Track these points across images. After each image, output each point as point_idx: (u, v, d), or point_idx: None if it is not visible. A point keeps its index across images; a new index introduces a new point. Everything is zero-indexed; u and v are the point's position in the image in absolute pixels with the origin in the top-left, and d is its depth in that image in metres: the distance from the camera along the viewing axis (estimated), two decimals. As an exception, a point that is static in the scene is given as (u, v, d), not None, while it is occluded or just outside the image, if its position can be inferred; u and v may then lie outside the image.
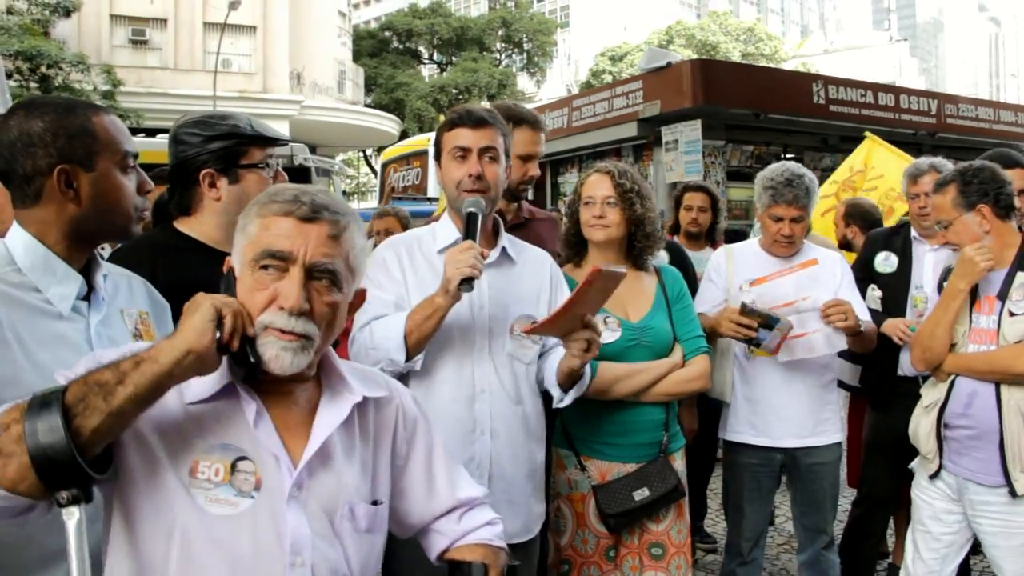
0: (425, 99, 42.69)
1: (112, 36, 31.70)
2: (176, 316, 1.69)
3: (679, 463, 3.23)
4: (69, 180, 1.90)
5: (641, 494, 3.03)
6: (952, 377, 3.32)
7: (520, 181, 3.53)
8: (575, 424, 3.17)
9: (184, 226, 2.56)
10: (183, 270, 2.34)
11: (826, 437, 3.78)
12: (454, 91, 44.13)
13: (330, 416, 1.73)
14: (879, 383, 4.37)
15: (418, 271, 2.79)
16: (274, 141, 2.65)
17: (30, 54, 24.33)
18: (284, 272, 1.61)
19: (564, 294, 2.93)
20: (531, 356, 2.85)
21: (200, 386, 1.60)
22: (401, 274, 2.79)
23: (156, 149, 12.65)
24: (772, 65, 46.42)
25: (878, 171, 7.46)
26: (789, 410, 3.73)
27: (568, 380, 2.74)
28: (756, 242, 3.94)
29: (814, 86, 11.75)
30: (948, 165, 4.10)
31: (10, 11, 26.29)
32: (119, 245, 2.58)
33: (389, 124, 35.28)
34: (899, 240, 4.43)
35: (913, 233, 4.40)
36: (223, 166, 2.53)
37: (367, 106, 39.31)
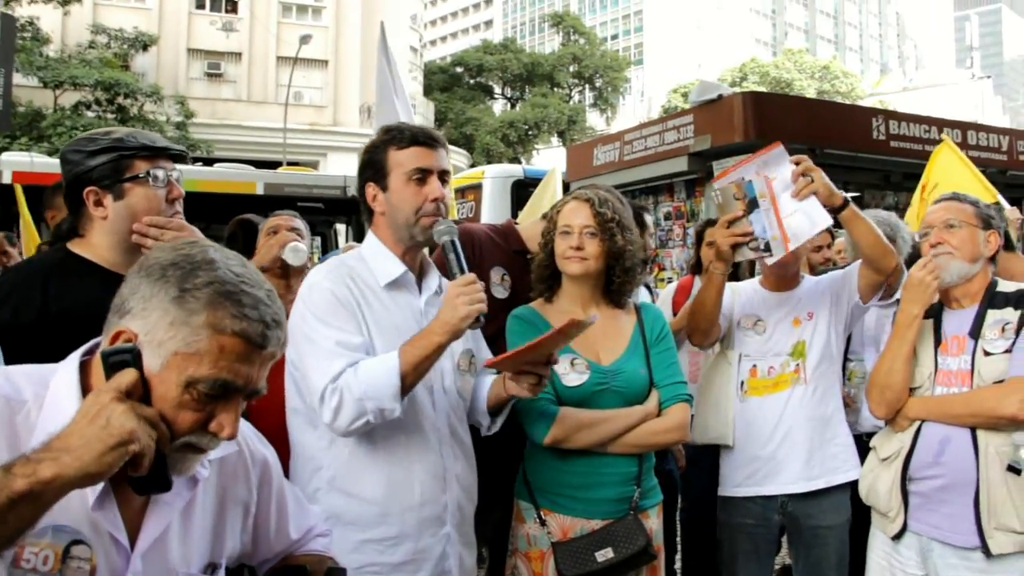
0: (494, 134, 42.93)
1: (189, 69, 32.70)
2: (66, 345, 1.54)
3: (653, 521, 2.93)
4: None
5: (605, 555, 2.73)
6: (917, 424, 2.98)
7: None
8: (537, 474, 2.90)
9: (77, 247, 2.38)
10: (76, 293, 2.21)
11: (838, 476, 3.40)
12: (524, 126, 44.34)
13: (171, 496, 1.52)
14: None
15: (372, 309, 2.55)
16: (162, 151, 2.45)
17: (108, 84, 25.14)
18: (224, 400, 1.43)
19: None
20: (469, 389, 2.69)
21: None
22: (359, 312, 2.52)
23: (212, 178, 12.85)
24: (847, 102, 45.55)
25: (934, 180, 6.90)
26: (790, 448, 3.39)
27: (498, 405, 2.61)
28: (756, 280, 3.67)
29: (874, 121, 11.28)
30: None
31: (91, 45, 27.24)
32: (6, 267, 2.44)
33: (458, 159, 35.46)
34: None
35: None
36: (108, 182, 2.35)
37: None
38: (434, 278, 2.68)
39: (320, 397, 2.38)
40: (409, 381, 2.34)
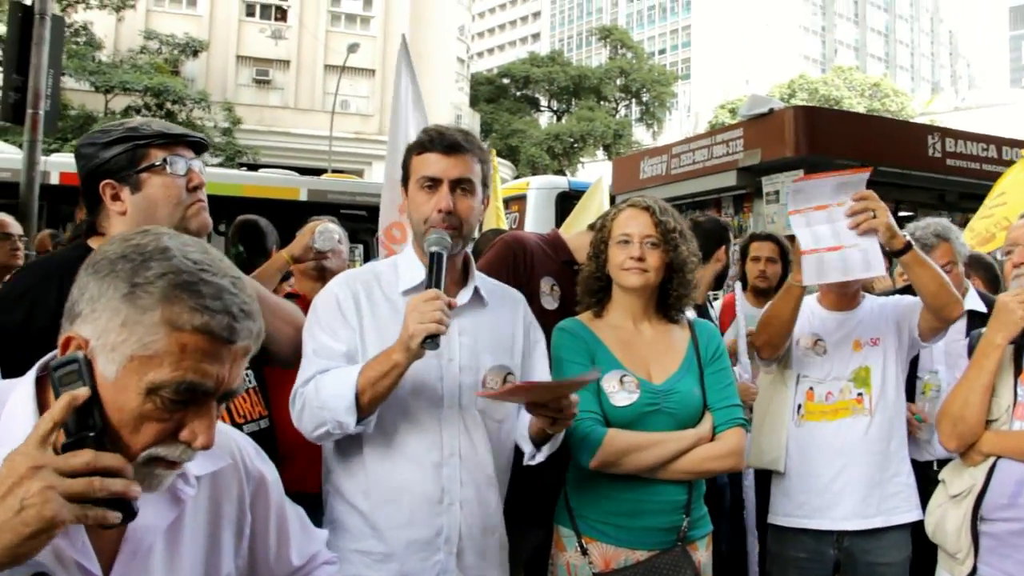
0: (540, 146, 42.87)
1: (237, 76, 33.05)
2: None
3: (702, 554, 2.73)
4: None
5: (650, 589, 2.55)
6: (992, 460, 2.73)
7: None
8: (579, 499, 2.72)
9: (97, 244, 2.24)
10: None
11: (897, 516, 3.18)
12: (569, 139, 44.26)
13: (151, 516, 1.36)
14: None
15: (378, 315, 2.40)
16: (179, 138, 2.32)
17: (157, 90, 25.46)
18: (195, 405, 1.27)
19: (538, 340, 2.60)
20: (504, 412, 2.47)
21: None
22: (357, 319, 2.40)
23: (256, 183, 12.87)
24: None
25: (1005, 196, 6.61)
26: (846, 482, 3.17)
27: (542, 435, 2.38)
28: (814, 298, 3.45)
29: (930, 138, 10.95)
30: None
31: (143, 51, 27.63)
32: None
33: (504, 170, 35.39)
34: None
35: None
36: (124, 174, 2.23)
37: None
38: (469, 290, 2.51)
39: (291, 400, 2.33)
40: (367, 398, 2.19)
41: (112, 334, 1.23)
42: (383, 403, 2.25)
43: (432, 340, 2.10)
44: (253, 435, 2.49)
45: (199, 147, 2.44)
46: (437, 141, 2.44)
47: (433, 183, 2.41)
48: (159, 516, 1.39)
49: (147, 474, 1.28)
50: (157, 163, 2.26)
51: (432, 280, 2.23)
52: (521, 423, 2.48)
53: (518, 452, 2.57)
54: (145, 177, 2.25)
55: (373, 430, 2.32)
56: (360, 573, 2.34)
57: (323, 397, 2.24)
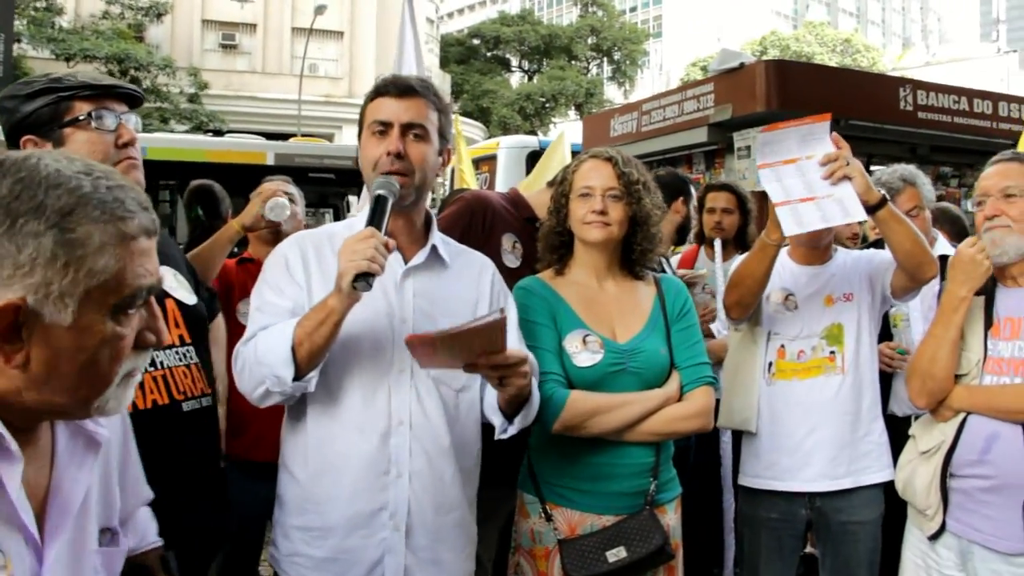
0: (511, 107, 42.42)
1: (203, 41, 32.44)
2: None
3: (670, 517, 2.65)
4: None
5: (616, 555, 2.45)
6: (962, 416, 2.66)
7: None
8: (543, 464, 2.63)
9: None
10: None
11: (867, 476, 3.11)
12: (541, 99, 43.80)
13: (75, 470, 1.31)
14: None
15: (326, 273, 2.24)
16: (108, 89, 2.17)
17: (119, 57, 24.92)
18: (143, 309, 1.27)
19: (509, 309, 2.43)
20: (462, 380, 2.32)
21: None
22: (305, 276, 2.27)
23: (222, 148, 12.67)
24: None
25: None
26: (816, 442, 3.09)
27: (512, 405, 2.24)
28: (785, 251, 3.31)
29: (901, 91, 10.86)
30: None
31: (105, 16, 26.99)
32: None
33: (474, 131, 35.06)
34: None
35: None
36: (46, 128, 2.09)
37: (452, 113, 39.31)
38: (426, 250, 2.36)
39: (233, 360, 2.23)
40: (304, 350, 2.04)
41: (57, 281, 1.14)
42: (328, 360, 2.12)
43: (364, 279, 1.97)
44: (194, 412, 2.37)
45: (133, 100, 2.29)
46: (391, 84, 2.30)
47: (384, 127, 2.27)
48: (78, 464, 1.34)
49: (123, 392, 1.27)
50: (82, 117, 2.12)
51: (372, 221, 2.09)
52: (489, 394, 2.32)
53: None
54: (68, 132, 2.12)
55: (318, 395, 2.19)
56: (298, 550, 2.23)
57: (260, 352, 2.11)
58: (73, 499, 1.31)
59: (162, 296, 2.32)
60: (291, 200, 3.79)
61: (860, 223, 4.58)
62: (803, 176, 2.92)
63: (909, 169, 3.95)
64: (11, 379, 1.16)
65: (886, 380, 3.49)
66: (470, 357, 2.01)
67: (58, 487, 1.29)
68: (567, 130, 9.52)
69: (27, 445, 1.22)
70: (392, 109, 2.27)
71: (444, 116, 2.37)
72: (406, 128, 2.26)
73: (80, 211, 1.15)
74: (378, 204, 2.13)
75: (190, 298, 2.48)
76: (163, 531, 2.02)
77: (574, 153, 7.48)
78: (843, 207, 2.86)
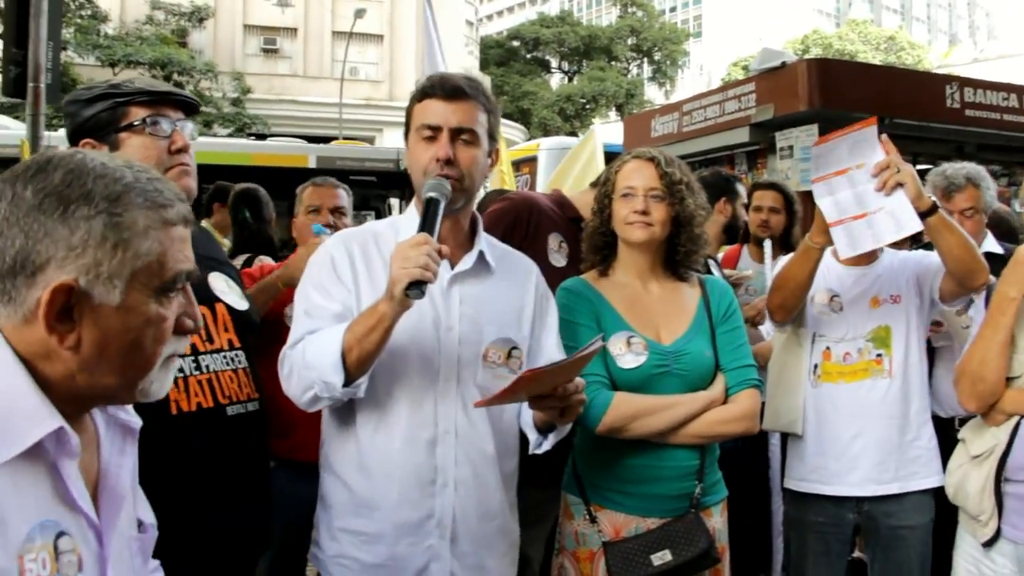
0: (551, 108, 42.49)
1: (245, 45, 32.81)
2: None
3: (716, 520, 2.64)
4: None
5: (661, 558, 2.44)
6: (1016, 419, 2.61)
7: None
8: (587, 467, 2.63)
9: None
10: None
11: (915, 482, 3.06)
12: (581, 100, 43.81)
13: (118, 456, 1.39)
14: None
15: (373, 274, 2.25)
16: (164, 96, 2.21)
17: (162, 62, 25.29)
18: (180, 294, 1.35)
19: (548, 312, 2.43)
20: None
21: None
22: (352, 278, 2.25)
23: (264, 152, 12.81)
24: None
25: None
26: (863, 446, 3.05)
27: (547, 423, 2.23)
28: (829, 252, 3.27)
29: (947, 88, 10.65)
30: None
31: (149, 21, 27.41)
32: None
33: (514, 133, 35.05)
34: None
35: None
36: (103, 133, 2.14)
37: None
38: (473, 255, 2.34)
39: (280, 363, 2.22)
40: (354, 356, 2.03)
41: (106, 262, 1.22)
42: (375, 368, 2.11)
43: (417, 287, 1.94)
44: (239, 417, 2.36)
45: (189, 108, 2.33)
46: (438, 86, 2.27)
47: (433, 132, 2.25)
48: (120, 450, 1.41)
49: (164, 375, 1.34)
50: (136, 122, 2.17)
51: (424, 226, 2.07)
52: (526, 408, 2.29)
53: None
54: (124, 136, 2.16)
55: (366, 402, 2.19)
56: (346, 552, 2.23)
57: (309, 357, 2.10)
58: (122, 485, 1.37)
59: (213, 300, 2.35)
60: (342, 213, 3.72)
61: None
62: (854, 188, 2.89)
63: (977, 170, 3.87)
64: (65, 362, 1.22)
65: None
66: (549, 389, 2.02)
67: (106, 473, 1.35)
68: (598, 128, 9.46)
69: (80, 434, 1.27)
70: (441, 112, 2.24)
71: (493, 116, 2.34)
72: (456, 133, 2.24)
73: (126, 198, 1.24)
74: (429, 207, 2.11)
75: (241, 303, 2.50)
76: (202, 533, 2.04)
77: (606, 152, 7.42)
78: (896, 220, 2.82)
